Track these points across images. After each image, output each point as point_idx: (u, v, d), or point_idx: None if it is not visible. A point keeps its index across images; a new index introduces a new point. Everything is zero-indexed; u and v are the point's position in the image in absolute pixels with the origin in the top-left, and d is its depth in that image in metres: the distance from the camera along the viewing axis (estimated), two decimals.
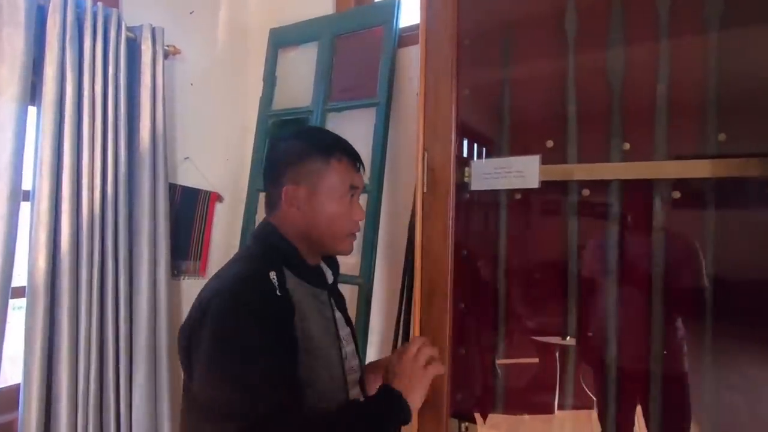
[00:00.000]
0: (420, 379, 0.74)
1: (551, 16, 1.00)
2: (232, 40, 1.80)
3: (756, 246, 0.84)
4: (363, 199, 1.43)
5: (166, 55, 1.48)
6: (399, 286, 1.34)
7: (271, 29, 1.75)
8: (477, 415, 1.08)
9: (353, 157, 0.82)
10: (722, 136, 0.85)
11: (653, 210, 0.91)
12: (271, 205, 0.82)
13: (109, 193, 1.30)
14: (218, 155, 1.75)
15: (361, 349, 1.35)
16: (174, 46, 1.52)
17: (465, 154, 1.07)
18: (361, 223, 0.89)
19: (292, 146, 0.80)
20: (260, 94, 1.73)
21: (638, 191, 0.93)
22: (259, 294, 0.68)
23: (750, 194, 0.85)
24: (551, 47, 1.01)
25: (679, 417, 0.93)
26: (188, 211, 1.60)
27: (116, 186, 1.32)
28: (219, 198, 1.71)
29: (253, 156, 1.71)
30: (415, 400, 0.73)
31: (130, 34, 1.38)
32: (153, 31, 1.42)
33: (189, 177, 1.62)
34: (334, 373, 0.77)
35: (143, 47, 1.39)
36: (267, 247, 0.78)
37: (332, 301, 0.84)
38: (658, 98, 0.90)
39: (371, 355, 1.46)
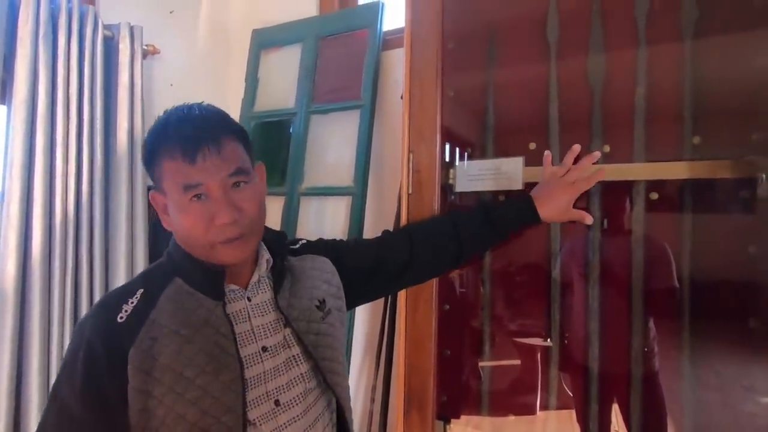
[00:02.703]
0: (561, 189, 0.86)
1: (534, 21, 1.02)
2: (214, 40, 1.77)
3: (729, 246, 0.87)
4: (346, 202, 1.43)
5: (144, 55, 1.45)
6: None
7: (253, 30, 1.73)
8: (462, 417, 1.08)
9: (183, 146, 0.61)
10: (697, 139, 0.88)
11: (632, 211, 0.93)
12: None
13: (84, 197, 1.26)
14: None
15: (346, 353, 1.34)
16: (153, 46, 1.49)
17: (449, 156, 1.07)
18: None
19: (147, 142, 0.66)
20: (242, 96, 1.71)
21: (618, 192, 0.95)
22: (89, 327, 0.62)
23: (724, 196, 0.88)
24: (534, 51, 1.03)
25: (655, 414, 0.95)
26: None
27: (92, 189, 1.28)
28: None
29: None
30: (546, 212, 0.86)
31: (108, 33, 1.35)
32: (131, 29, 1.39)
33: None
34: (217, 406, 0.60)
35: (121, 46, 1.36)
36: (164, 257, 0.71)
37: (247, 310, 0.68)
38: (636, 102, 0.92)
39: (356, 357, 1.45)
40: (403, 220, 0.96)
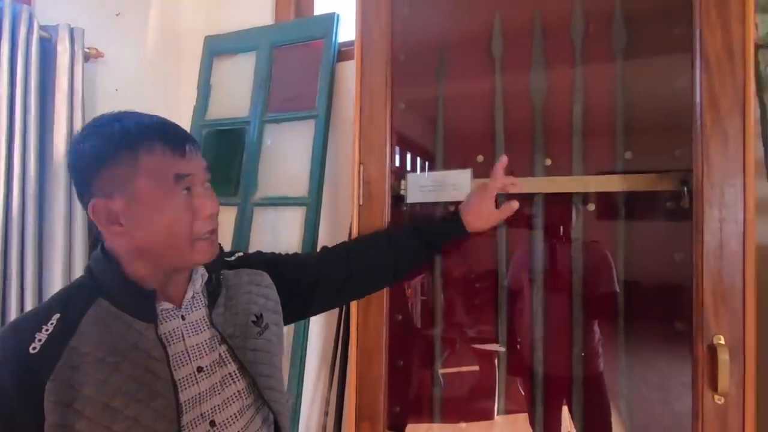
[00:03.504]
0: (483, 200, 0.90)
1: (480, 38, 1.06)
2: (164, 45, 1.72)
3: (659, 253, 0.93)
4: (300, 213, 1.41)
5: (86, 58, 1.38)
6: None
7: (206, 36, 1.70)
8: (413, 425, 1.09)
9: (170, 141, 0.61)
10: (629, 154, 0.94)
11: (572, 221, 0.98)
12: (92, 229, 0.70)
13: (14, 209, 1.17)
14: None
15: (299, 365, 1.32)
16: (96, 49, 1.42)
17: (401, 168, 1.09)
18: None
19: (89, 147, 0.60)
20: (194, 103, 1.66)
21: (559, 204, 1.00)
22: None
23: (653, 207, 0.94)
24: (480, 67, 1.07)
25: (601, 413, 0.99)
26: None
27: (23, 201, 1.19)
28: None
29: None
30: (471, 222, 0.90)
31: (45, 34, 1.27)
32: (71, 31, 1.32)
33: None
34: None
35: (59, 48, 1.29)
36: (84, 276, 0.65)
37: (181, 330, 0.65)
38: (574, 118, 0.98)
39: (310, 369, 1.42)
40: (354, 232, 0.96)
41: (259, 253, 0.85)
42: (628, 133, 0.94)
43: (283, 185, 1.48)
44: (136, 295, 0.62)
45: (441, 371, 1.11)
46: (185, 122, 1.67)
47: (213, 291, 0.70)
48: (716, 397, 0.72)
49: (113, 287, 0.62)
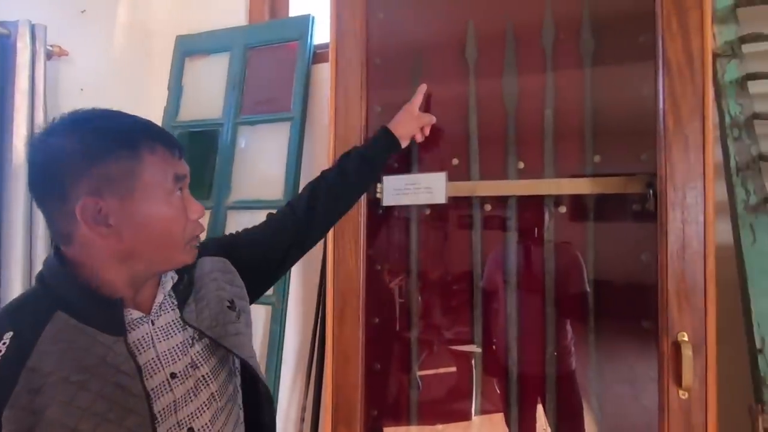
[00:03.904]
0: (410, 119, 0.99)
1: (454, 43, 1.07)
2: (132, 44, 1.67)
3: (626, 254, 0.96)
4: None
5: (49, 56, 1.32)
6: (315, 303, 1.31)
7: (177, 36, 1.65)
8: (390, 430, 1.09)
9: (168, 143, 0.62)
10: (597, 158, 0.97)
11: (544, 223, 1.00)
12: (59, 232, 0.59)
13: None
14: None
15: (274, 370, 1.30)
16: (59, 47, 1.36)
17: None
18: (204, 221, 0.76)
19: (76, 145, 0.56)
20: (165, 104, 1.62)
21: (532, 206, 1.02)
22: None
23: (620, 209, 0.97)
24: (455, 71, 1.08)
25: (573, 409, 1.02)
26: None
27: None
28: None
29: None
30: (399, 131, 0.97)
31: (3, 30, 1.22)
32: (32, 28, 1.26)
33: None
34: None
35: (19, 45, 1.23)
36: (36, 287, 0.59)
37: (151, 335, 0.62)
38: (545, 122, 1.00)
39: (286, 375, 1.40)
40: (330, 234, 0.96)
41: (213, 239, 0.83)
42: (596, 137, 0.97)
43: (257, 188, 1.46)
44: (101, 305, 0.58)
45: (419, 373, 1.11)
46: (156, 123, 1.62)
47: (183, 290, 0.67)
48: (681, 392, 0.75)
49: (73, 298, 0.57)
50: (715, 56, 0.95)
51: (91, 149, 0.56)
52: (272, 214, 0.91)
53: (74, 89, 1.46)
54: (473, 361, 1.09)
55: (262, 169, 1.47)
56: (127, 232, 0.58)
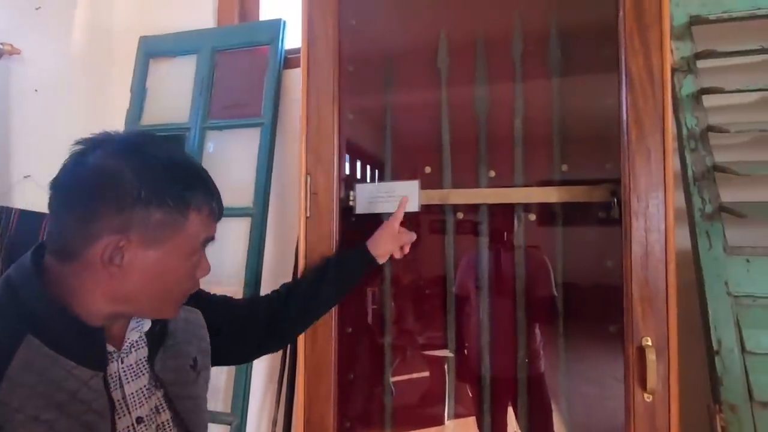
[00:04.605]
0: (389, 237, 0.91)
1: (426, 52, 1.08)
2: (92, 44, 1.59)
3: (592, 260, 0.99)
4: (245, 224, 1.36)
5: None
6: None
7: (141, 37, 1.59)
8: None
9: (216, 205, 0.61)
10: (565, 167, 1.00)
11: (514, 230, 1.02)
12: (63, 245, 0.54)
13: None
14: None
15: (243, 384, 1.26)
16: (11, 45, 1.29)
17: (349, 179, 1.08)
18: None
19: (130, 177, 0.52)
20: (127, 107, 1.55)
21: (502, 213, 1.03)
22: None
23: (587, 217, 1.00)
24: (427, 80, 1.09)
25: (543, 411, 1.03)
26: (27, 239, 1.34)
27: None
28: None
29: None
30: (377, 250, 0.90)
31: None
32: None
33: (29, 198, 1.36)
34: None
35: None
36: (5, 301, 0.52)
37: (119, 375, 0.58)
38: (515, 132, 1.02)
39: (256, 389, 1.36)
40: (302, 244, 0.94)
41: None
42: (564, 146, 1.00)
43: (226, 195, 1.38)
44: (81, 333, 0.52)
45: (392, 380, 1.10)
46: (117, 127, 1.54)
47: (157, 335, 0.63)
48: (645, 395, 0.77)
49: (48, 320, 0.51)
50: (673, 71, 1.00)
51: (144, 189, 0.52)
52: (251, 298, 0.89)
53: (28, 90, 1.38)
54: (446, 366, 1.09)
55: (231, 176, 1.43)
56: (134, 277, 0.54)
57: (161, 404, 0.61)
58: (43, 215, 1.40)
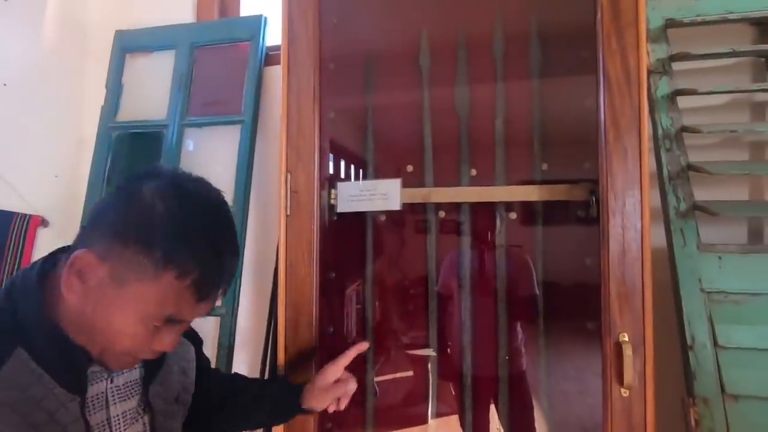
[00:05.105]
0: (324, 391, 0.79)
1: (408, 51, 1.08)
2: (65, 37, 1.54)
3: (572, 258, 1.00)
4: None
5: None
6: (267, 314, 1.27)
7: (117, 31, 1.55)
8: None
9: (210, 284, 0.52)
10: (545, 166, 1.01)
11: (496, 228, 1.02)
12: (74, 247, 0.52)
13: None
14: (43, 171, 1.46)
15: None
16: None
17: (331, 177, 1.07)
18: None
19: (140, 208, 0.50)
20: (102, 103, 1.51)
21: (484, 212, 1.04)
22: None
23: (568, 215, 1.02)
24: (409, 78, 1.09)
25: (524, 408, 1.04)
26: None
27: None
28: (42, 222, 1.41)
29: (91, 172, 1.47)
30: (310, 402, 0.79)
31: None
32: None
33: None
34: None
35: None
36: (1, 310, 0.50)
37: (106, 395, 0.56)
38: (496, 131, 1.03)
39: None
40: (282, 242, 0.92)
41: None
42: (544, 145, 1.01)
43: None
44: (65, 354, 0.50)
45: (376, 380, 1.10)
46: (92, 123, 1.51)
47: (154, 362, 0.60)
48: (623, 390, 0.78)
49: (37, 335, 0.49)
50: (649, 73, 1.02)
51: (139, 229, 0.49)
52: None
53: None
54: (429, 365, 1.09)
55: (211, 174, 1.36)
56: (88, 307, 0.50)
57: (146, 430, 0.59)
58: (13, 214, 1.35)
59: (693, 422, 0.86)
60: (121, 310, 0.49)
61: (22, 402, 0.47)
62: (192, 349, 0.70)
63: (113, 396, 0.56)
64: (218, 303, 0.57)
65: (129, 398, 0.58)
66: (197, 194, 0.53)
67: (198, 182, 0.55)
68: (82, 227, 0.53)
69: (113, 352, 0.52)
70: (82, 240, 0.52)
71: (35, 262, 0.54)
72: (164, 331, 0.52)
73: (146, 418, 0.60)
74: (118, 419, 0.56)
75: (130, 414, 0.57)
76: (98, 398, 0.54)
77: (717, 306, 0.91)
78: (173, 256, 0.48)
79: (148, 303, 0.49)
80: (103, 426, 0.54)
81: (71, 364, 0.51)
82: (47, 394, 0.48)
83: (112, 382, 0.56)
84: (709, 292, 0.92)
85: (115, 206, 0.52)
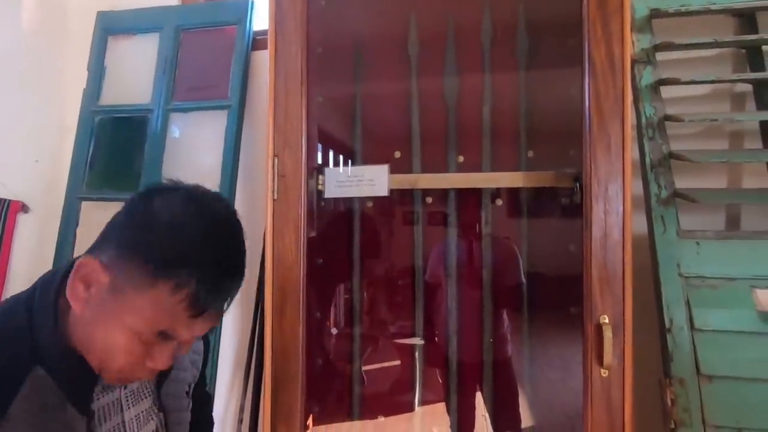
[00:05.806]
0: None
1: (396, 36, 1.08)
2: (45, 19, 1.50)
3: (557, 245, 1.02)
4: None
5: None
6: (254, 300, 1.26)
7: (98, 12, 1.51)
8: (333, 426, 1.07)
9: (207, 300, 0.49)
10: (531, 153, 1.02)
11: (482, 216, 1.04)
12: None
13: None
14: (23, 156, 1.43)
15: (210, 372, 1.24)
16: None
17: (319, 162, 1.07)
18: None
19: (145, 219, 0.50)
20: (83, 87, 1.47)
21: (471, 199, 1.05)
22: None
23: (552, 202, 1.03)
24: (397, 65, 1.08)
25: (509, 394, 1.07)
26: None
27: None
28: (23, 208, 1.39)
29: (73, 157, 1.44)
30: None
31: None
32: None
33: None
34: None
35: None
36: (20, 325, 0.50)
37: (121, 401, 0.57)
38: (483, 118, 1.03)
39: (223, 375, 1.34)
40: (269, 227, 0.92)
41: None
42: (530, 133, 1.02)
43: (191, 179, 1.34)
44: (77, 372, 0.50)
45: (363, 368, 1.11)
46: (73, 107, 1.47)
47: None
48: (602, 370, 0.80)
49: (53, 352, 0.49)
50: (634, 62, 1.03)
51: (140, 240, 0.48)
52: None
53: None
54: (416, 353, 1.10)
55: (197, 160, 1.39)
56: (86, 317, 0.50)
57: (160, 429, 0.61)
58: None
59: (669, 402, 0.89)
60: (116, 322, 0.49)
61: (41, 419, 0.47)
62: (201, 343, 0.71)
63: (127, 401, 0.57)
64: (217, 323, 0.56)
65: (142, 400, 0.59)
66: (208, 210, 0.52)
67: (214, 199, 0.54)
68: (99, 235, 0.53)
69: (109, 369, 0.51)
70: (93, 247, 0.51)
71: (58, 268, 0.54)
72: (158, 349, 0.51)
73: (160, 416, 0.61)
74: (132, 422, 0.57)
75: (143, 415, 0.59)
76: (113, 405, 0.55)
77: (694, 290, 0.94)
78: (170, 267, 0.47)
79: (141, 315, 0.48)
80: (118, 430, 0.55)
81: (81, 383, 0.51)
82: (61, 407, 0.49)
83: (125, 388, 0.57)
84: (687, 277, 0.95)
85: (124, 216, 0.52)
